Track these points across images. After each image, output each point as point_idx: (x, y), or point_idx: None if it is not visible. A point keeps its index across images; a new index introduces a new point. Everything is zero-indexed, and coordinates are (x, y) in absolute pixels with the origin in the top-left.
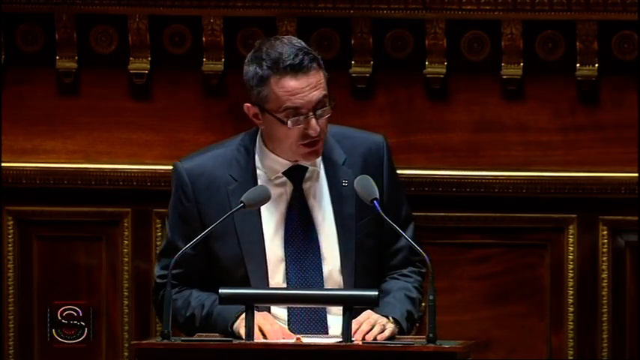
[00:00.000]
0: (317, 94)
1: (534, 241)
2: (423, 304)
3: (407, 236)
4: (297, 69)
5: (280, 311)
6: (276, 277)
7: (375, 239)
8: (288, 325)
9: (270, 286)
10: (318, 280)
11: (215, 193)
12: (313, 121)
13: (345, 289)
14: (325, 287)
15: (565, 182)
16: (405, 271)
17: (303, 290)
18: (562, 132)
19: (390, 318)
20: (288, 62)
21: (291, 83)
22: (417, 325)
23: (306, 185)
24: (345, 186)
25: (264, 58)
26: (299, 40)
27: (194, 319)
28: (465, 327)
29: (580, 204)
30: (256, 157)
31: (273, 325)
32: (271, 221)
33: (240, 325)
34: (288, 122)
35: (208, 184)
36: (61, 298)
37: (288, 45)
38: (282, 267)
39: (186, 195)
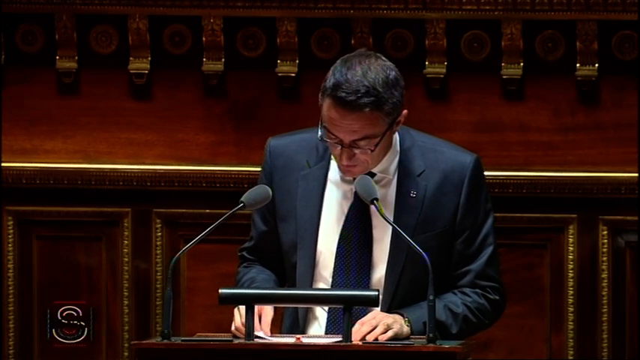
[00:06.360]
0: (353, 135)
1: (534, 241)
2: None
3: (483, 260)
4: (345, 105)
5: (319, 311)
6: (325, 272)
7: (436, 256)
8: (326, 325)
9: (317, 279)
10: (364, 285)
11: (288, 175)
12: (345, 154)
13: (344, 289)
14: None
15: (565, 182)
16: (466, 290)
17: (302, 290)
18: (562, 132)
19: (405, 318)
20: (342, 94)
21: (335, 112)
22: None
23: None
24: (413, 197)
25: (335, 74)
26: (385, 71)
27: None
28: None
29: (580, 204)
30: None
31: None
32: (331, 216)
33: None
34: (320, 134)
35: (285, 165)
36: (61, 298)
37: (363, 78)
38: (332, 264)
39: (265, 172)
